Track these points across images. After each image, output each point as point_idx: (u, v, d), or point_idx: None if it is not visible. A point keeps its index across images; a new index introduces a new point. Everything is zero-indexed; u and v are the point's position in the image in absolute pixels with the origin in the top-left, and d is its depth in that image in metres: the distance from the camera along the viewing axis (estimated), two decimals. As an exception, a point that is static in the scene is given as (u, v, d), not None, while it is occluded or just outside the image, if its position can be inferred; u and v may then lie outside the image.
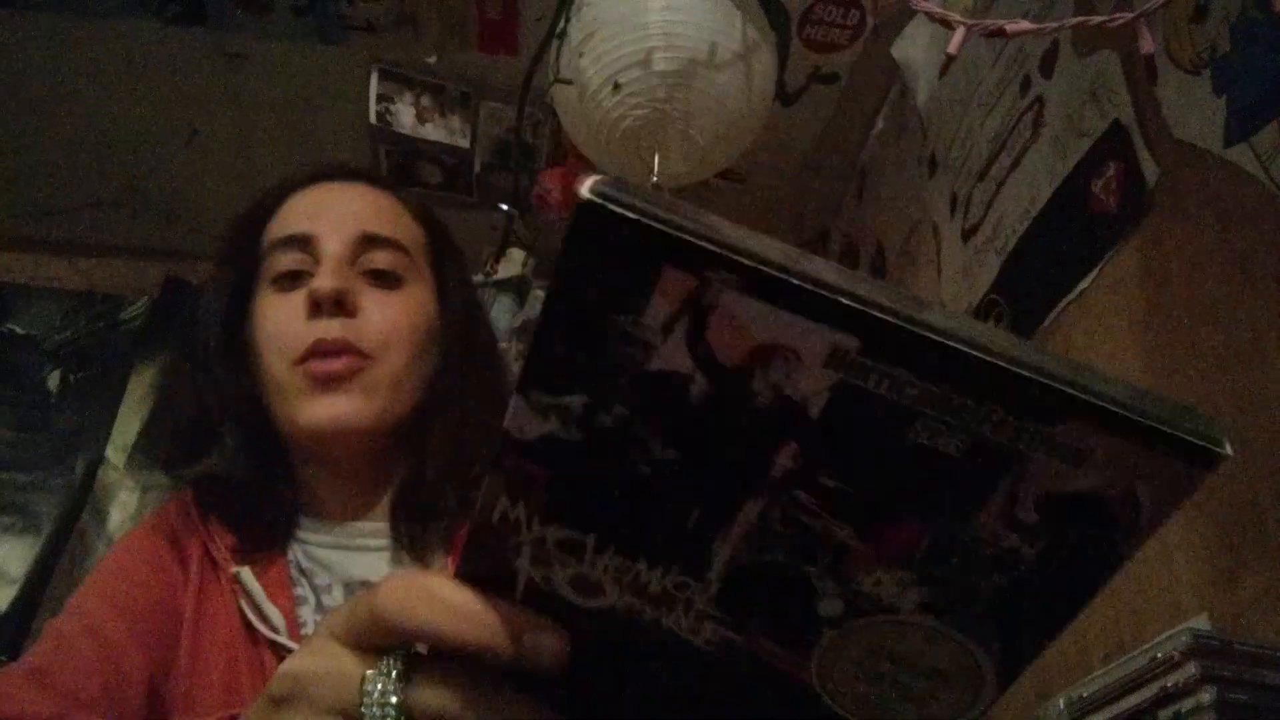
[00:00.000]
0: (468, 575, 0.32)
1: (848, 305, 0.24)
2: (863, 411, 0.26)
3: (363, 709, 0.33)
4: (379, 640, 0.34)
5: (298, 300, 0.79)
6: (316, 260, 0.80)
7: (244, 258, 0.85)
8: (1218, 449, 0.25)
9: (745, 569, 0.29)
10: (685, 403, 0.26)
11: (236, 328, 0.82)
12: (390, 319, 0.79)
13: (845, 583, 0.28)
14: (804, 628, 0.29)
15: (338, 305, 0.77)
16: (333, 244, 0.80)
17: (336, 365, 0.76)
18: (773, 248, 0.25)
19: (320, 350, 0.76)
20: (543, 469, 0.29)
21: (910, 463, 0.26)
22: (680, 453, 0.27)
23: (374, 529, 0.81)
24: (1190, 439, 0.25)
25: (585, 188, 0.25)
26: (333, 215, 0.82)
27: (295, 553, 0.79)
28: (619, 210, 0.24)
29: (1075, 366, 0.25)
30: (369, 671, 0.33)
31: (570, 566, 0.30)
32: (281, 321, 0.79)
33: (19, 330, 2.25)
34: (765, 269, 0.24)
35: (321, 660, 0.35)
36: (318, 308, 0.77)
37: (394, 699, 0.33)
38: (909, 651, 0.30)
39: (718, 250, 0.24)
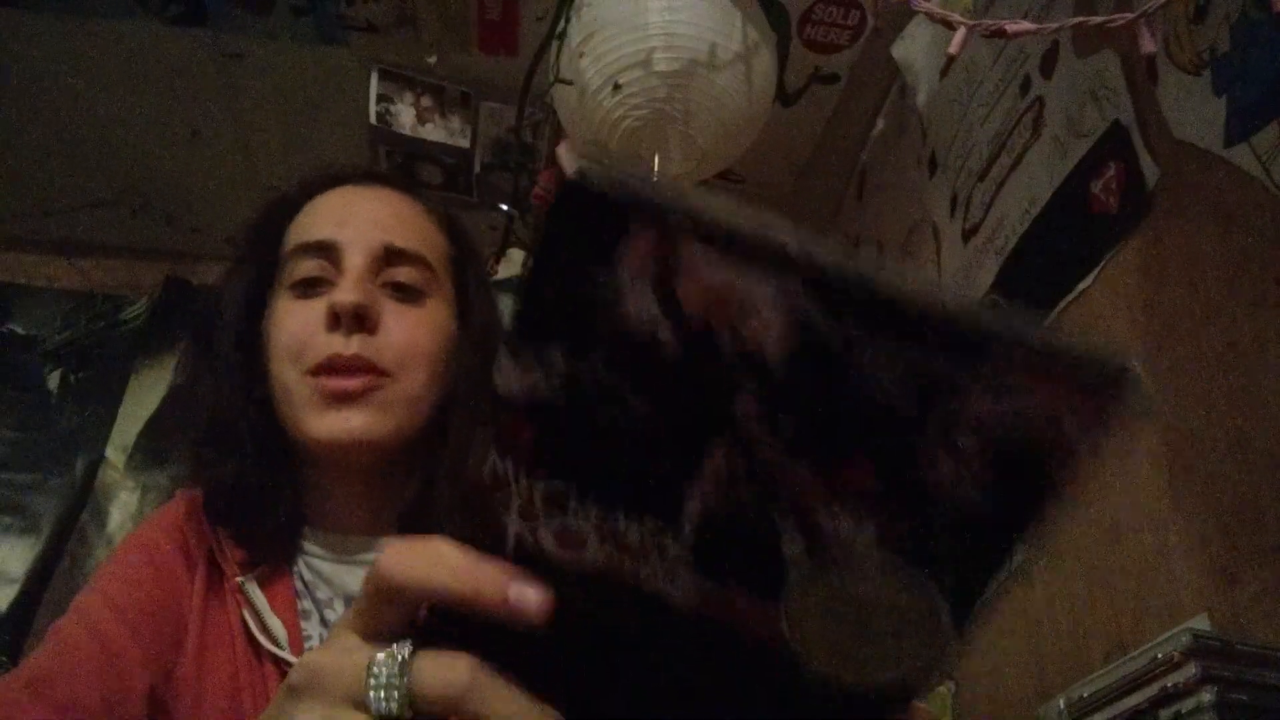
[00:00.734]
0: (459, 538, 0.34)
1: (794, 260, 0.27)
2: (816, 359, 0.28)
3: (369, 693, 0.34)
4: (384, 608, 0.35)
5: (317, 308, 0.77)
6: (339, 270, 0.78)
7: (263, 257, 0.83)
8: (1124, 370, 0.27)
9: (715, 514, 0.31)
10: (656, 351, 0.29)
11: (251, 327, 0.81)
12: (411, 336, 0.78)
13: (805, 520, 0.30)
14: (770, 571, 0.31)
15: (358, 320, 0.75)
16: (356, 256, 0.78)
17: (352, 384, 0.75)
18: (729, 209, 0.28)
19: (336, 365, 0.75)
20: (528, 422, 0.31)
21: (862, 404, 0.29)
22: (653, 401, 0.30)
23: (380, 545, 0.79)
24: (1098, 363, 0.27)
25: (571, 169, 0.28)
26: (358, 224, 0.80)
27: (299, 565, 0.78)
28: (597, 183, 0.28)
29: (1013, 321, 0.28)
30: (377, 657, 0.34)
31: (555, 518, 0.32)
32: (298, 329, 0.77)
33: (19, 330, 2.25)
34: (725, 222, 0.28)
35: (337, 652, 0.35)
36: (337, 320, 0.75)
37: (399, 683, 0.33)
38: (868, 592, 0.31)
39: (680, 210, 0.27)
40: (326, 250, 0.79)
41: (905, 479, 0.29)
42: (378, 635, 0.35)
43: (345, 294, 0.76)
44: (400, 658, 0.34)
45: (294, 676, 0.36)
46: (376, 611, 0.35)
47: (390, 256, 0.80)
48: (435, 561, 0.34)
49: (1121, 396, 0.28)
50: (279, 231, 0.84)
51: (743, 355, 0.28)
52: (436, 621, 0.34)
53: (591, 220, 0.28)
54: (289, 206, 0.85)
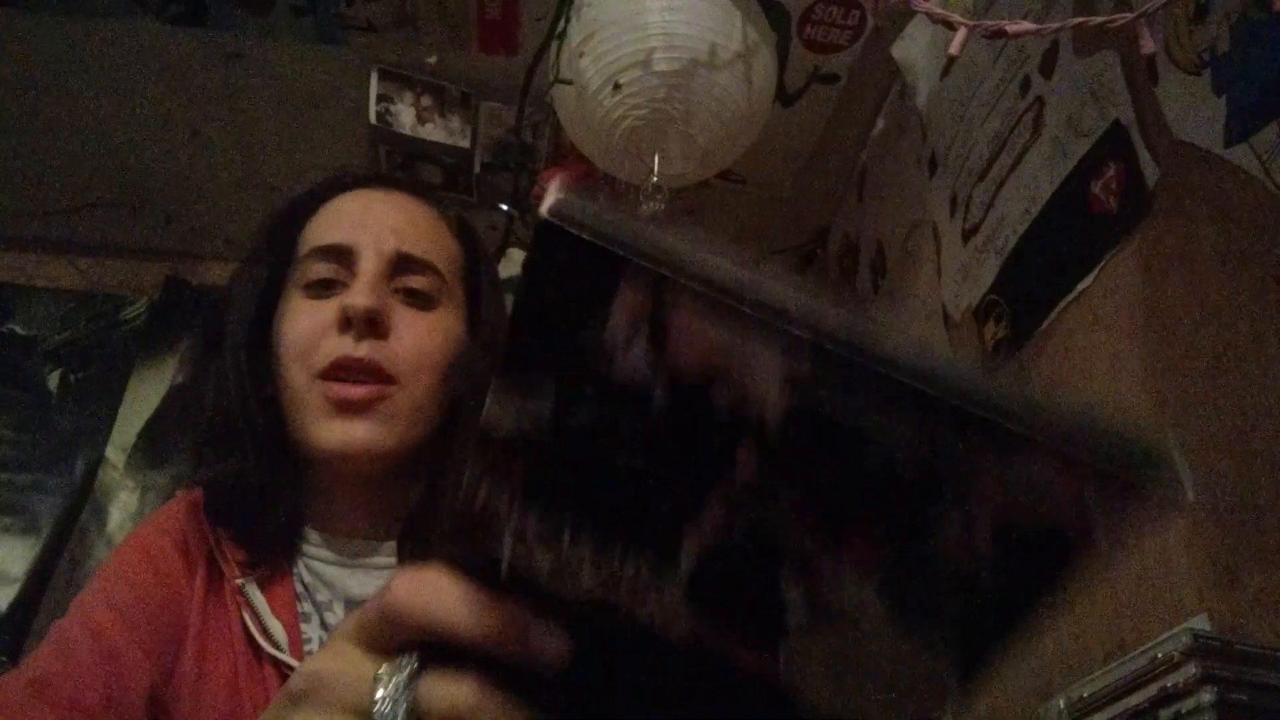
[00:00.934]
0: (455, 561, 0.33)
1: (798, 331, 0.25)
2: (819, 429, 0.26)
3: (374, 707, 0.33)
4: (390, 636, 0.34)
5: (328, 310, 0.77)
6: (352, 273, 0.79)
7: (275, 257, 0.83)
8: (1177, 494, 0.25)
9: (713, 558, 0.29)
10: (648, 410, 0.27)
11: (261, 327, 0.81)
12: (421, 342, 0.78)
13: (804, 568, 0.29)
14: (768, 630, 0.30)
15: (370, 325, 0.76)
16: (370, 260, 0.79)
17: (359, 392, 0.75)
18: (726, 268, 0.25)
19: (345, 366, 0.75)
20: (519, 459, 0.30)
21: (866, 480, 0.27)
22: (647, 455, 0.29)
23: (382, 549, 0.79)
24: (1146, 480, 0.25)
25: (544, 207, 0.26)
26: (373, 229, 0.80)
27: (299, 568, 0.78)
28: (574, 231, 0.25)
29: (1030, 399, 0.25)
30: (382, 670, 0.34)
31: (549, 554, 0.31)
32: (309, 329, 0.77)
33: (19, 330, 2.25)
34: (716, 292, 0.25)
35: (339, 660, 0.35)
36: (348, 323, 0.76)
37: (405, 697, 0.33)
38: (872, 658, 0.30)
39: (669, 273, 0.25)
40: (341, 254, 0.79)
41: (909, 542, 0.28)
42: (380, 652, 0.35)
43: (358, 297, 0.76)
44: (407, 671, 0.34)
45: (295, 683, 0.36)
46: (382, 633, 0.35)
47: (403, 263, 0.80)
48: (446, 599, 0.33)
49: (1150, 478, 0.25)
50: (293, 232, 0.84)
51: (738, 413, 0.27)
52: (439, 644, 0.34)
53: (572, 262, 0.26)
54: (304, 208, 0.85)
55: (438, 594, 0.33)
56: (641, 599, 0.31)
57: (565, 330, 0.27)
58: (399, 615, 0.34)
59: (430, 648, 0.34)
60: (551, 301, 0.27)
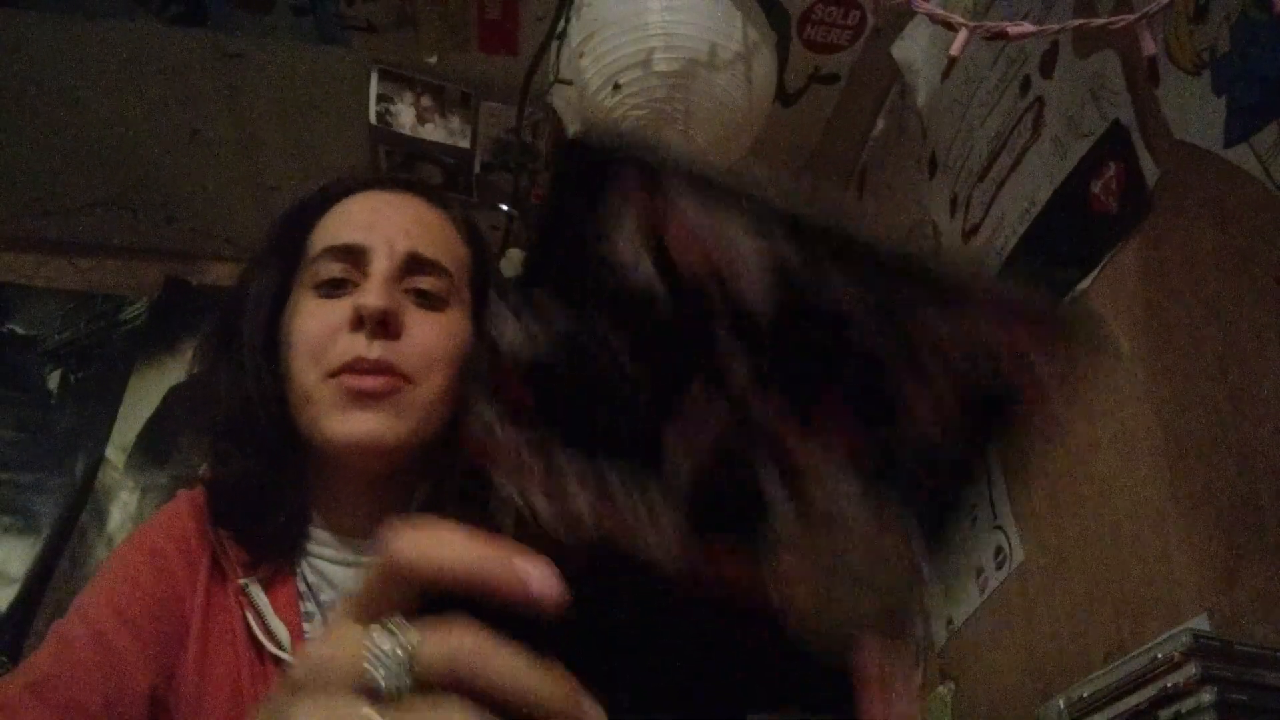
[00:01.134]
0: (457, 508, 0.34)
1: (787, 218, 0.29)
2: (807, 322, 0.30)
3: (370, 670, 0.33)
4: (391, 596, 0.34)
5: (340, 309, 0.77)
6: (364, 274, 0.79)
7: (286, 256, 0.84)
8: (1087, 311, 0.30)
9: (702, 472, 0.31)
10: (648, 311, 0.30)
11: (272, 325, 0.81)
12: (432, 342, 0.78)
13: (792, 478, 0.31)
14: (755, 520, 0.32)
15: (383, 325, 0.76)
16: (382, 261, 0.79)
17: (373, 383, 0.75)
18: (717, 168, 0.29)
19: (358, 367, 0.75)
20: (526, 377, 0.32)
21: (848, 366, 0.30)
22: (643, 359, 0.31)
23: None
24: (1060, 305, 0.29)
25: (574, 135, 0.30)
26: (385, 230, 0.81)
27: (303, 567, 0.78)
28: (595, 140, 0.30)
29: (961, 257, 0.33)
30: (373, 632, 0.33)
31: (542, 472, 0.32)
32: (321, 329, 0.77)
33: (19, 330, 2.25)
34: (721, 183, 0.30)
35: (335, 644, 0.35)
36: (361, 322, 0.76)
37: (400, 656, 0.33)
38: (854, 562, 0.32)
39: (677, 166, 0.29)
40: (353, 254, 0.80)
41: (878, 416, 0.30)
42: (389, 613, 0.34)
43: (372, 297, 0.76)
44: (400, 634, 0.33)
45: (294, 672, 0.35)
46: (381, 597, 0.35)
47: (414, 264, 0.80)
48: (448, 544, 0.33)
49: (1082, 333, 0.29)
50: (303, 232, 0.84)
51: (731, 303, 0.30)
52: (434, 604, 0.34)
53: (591, 174, 0.30)
54: (314, 208, 0.85)
55: (439, 539, 0.33)
56: (633, 513, 0.32)
57: (580, 238, 0.30)
58: (403, 566, 0.34)
59: (425, 605, 0.34)
60: (571, 207, 0.30)
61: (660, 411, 0.31)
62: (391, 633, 0.33)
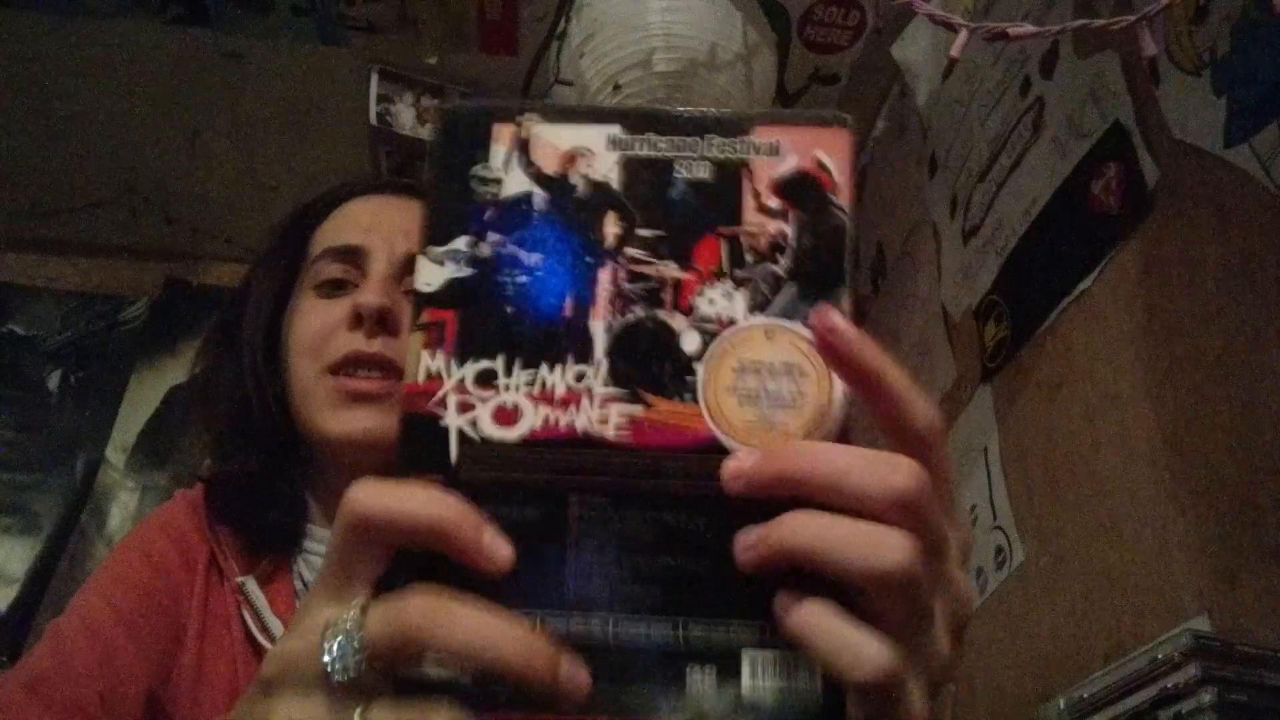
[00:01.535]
0: (406, 456, 0.36)
1: (608, 110, 0.39)
2: (642, 170, 0.38)
3: (327, 665, 0.33)
4: (356, 553, 0.35)
5: (339, 308, 0.78)
6: (363, 274, 0.80)
7: (289, 257, 0.85)
8: (843, 116, 0.38)
9: (619, 336, 0.36)
10: (532, 213, 0.38)
11: (273, 326, 0.83)
12: None
13: (689, 312, 0.37)
14: (679, 371, 0.36)
15: (381, 323, 0.77)
16: (381, 262, 0.80)
17: (371, 385, 0.76)
18: (561, 99, 0.41)
19: (355, 360, 0.76)
20: (450, 309, 0.37)
21: (685, 193, 0.38)
22: (542, 254, 0.37)
23: None
24: (825, 113, 0.38)
25: (438, 107, 0.40)
26: (384, 231, 0.82)
27: (299, 564, 0.78)
28: (460, 107, 0.40)
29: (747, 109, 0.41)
30: (328, 623, 0.33)
31: (489, 399, 0.36)
32: (319, 327, 0.78)
33: (19, 330, 2.25)
34: (553, 105, 0.40)
35: (304, 635, 0.35)
36: (359, 321, 0.77)
37: (354, 638, 0.33)
38: (761, 357, 0.36)
39: (524, 102, 0.40)
40: (353, 255, 0.81)
41: (741, 243, 0.37)
42: (349, 592, 0.35)
43: (370, 296, 0.77)
44: (352, 623, 0.33)
45: (265, 670, 0.35)
46: (348, 561, 0.35)
47: (413, 265, 0.80)
48: (409, 497, 0.34)
49: (846, 125, 0.38)
50: (305, 235, 0.85)
51: (593, 188, 0.38)
52: (400, 568, 0.35)
53: (464, 131, 0.39)
54: (317, 211, 0.87)
55: (401, 493, 0.34)
56: (577, 407, 0.36)
57: (465, 182, 0.38)
58: (356, 515, 0.34)
59: (394, 572, 0.35)
60: (452, 158, 0.38)
61: (572, 300, 0.37)
62: (343, 619, 0.33)
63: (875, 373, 0.34)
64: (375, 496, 0.34)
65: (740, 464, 0.34)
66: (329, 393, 0.76)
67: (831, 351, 0.35)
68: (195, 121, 2.06)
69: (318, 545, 0.79)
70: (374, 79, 1.90)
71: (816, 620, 0.33)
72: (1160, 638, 0.84)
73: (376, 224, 0.83)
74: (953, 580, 0.35)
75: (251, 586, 0.74)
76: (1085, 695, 0.84)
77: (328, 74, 1.93)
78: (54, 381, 2.20)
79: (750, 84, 1.36)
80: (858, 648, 0.32)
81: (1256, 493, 0.86)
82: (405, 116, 1.92)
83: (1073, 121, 1.21)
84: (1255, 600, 0.85)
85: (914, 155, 1.71)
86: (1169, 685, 0.75)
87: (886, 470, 0.33)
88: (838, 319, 0.34)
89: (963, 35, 0.86)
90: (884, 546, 0.32)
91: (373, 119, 1.89)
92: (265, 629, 0.73)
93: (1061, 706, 0.86)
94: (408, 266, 0.81)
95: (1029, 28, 0.86)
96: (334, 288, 0.81)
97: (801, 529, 0.33)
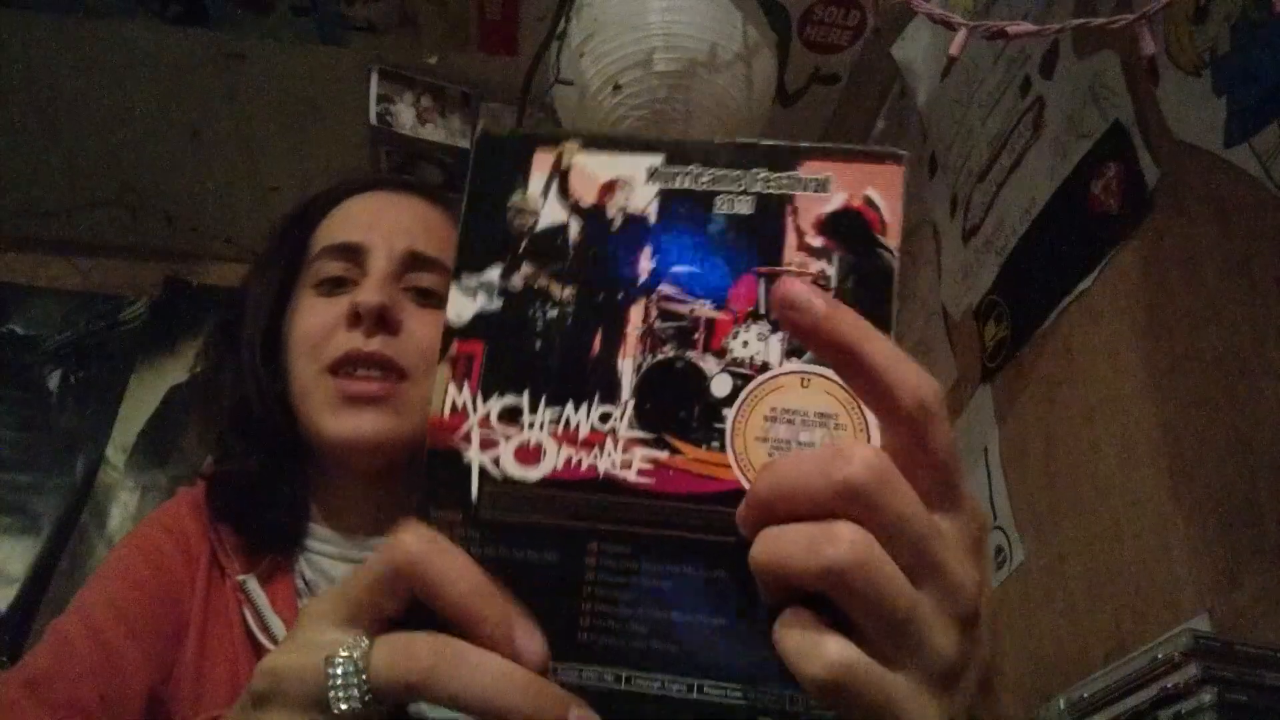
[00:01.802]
0: (429, 491, 0.35)
1: (650, 140, 0.37)
2: (681, 204, 0.37)
3: (330, 694, 0.32)
4: (385, 596, 0.34)
5: (338, 307, 0.78)
6: (363, 271, 0.80)
7: (289, 256, 0.84)
8: (898, 152, 0.36)
9: (647, 376, 0.35)
10: (567, 245, 0.37)
11: (274, 325, 0.82)
12: (430, 338, 0.78)
13: (721, 355, 0.35)
14: (708, 416, 0.35)
15: (381, 321, 0.76)
16: (381, 259, 0.80)
17: (370, 387, 0.75)
18: (600, 126, 0.40)
19: (354, 359, 0.76)
20: (478, 342, 0.36)
21: (724, 229, 0.36)
22: (574, 288, 0.36)
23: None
24: (879, 149, 0.36)
25: (480, 129, 0.38)
26: (384, 229, 0.81)
27: (301, 564, 0.78)
28: (501, 132, 0.38)
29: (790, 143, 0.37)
30: (337, 654, 0.33)
31: (513, 436, 0.35)
32: (318, 326, 0.78)
33: (19, 330, 2.25)
34: (596, 133, 0.37)
35: (301, 653, 0.34)
36: (358, 319, 0.76)
37: (358, 680, 0.32)
38: (794, 405, 0.34)
39: (564, 130, 0.40)
40: (352, 252, 0.81)
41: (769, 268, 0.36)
42: (359, 623, 0.34)
43: (369, 294, 0.77)
44: (359, 651, 0.33)
45: (256, 684, 0.35)
46: (372, 595, 0.34)
47: (414, 262, 0.81)
48: (456, 572, 0.33)
49: (900, 163, 0.36)
50: (306, 233, 0.85)
51: (630, 221, 0.37)
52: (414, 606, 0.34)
53: (503, 157, 0.38)
54: (317, 209, 0.86)
55: (448, 559, 0.33)
56: (601, 449, 0.35)
57: (500, 211, 0.37)
58: (408, 565, 0.33)
59: (402, 625, 0.34)
60: (490, 186, 0.37)
61: (602, 337, 0.36)
62: (351, 651, 0.33)
63: (848, 345, 0.32)
64: (427, 555, 0.33)
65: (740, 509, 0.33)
66: (328, 393, 0.76)
67: (792, 326, 0.33)
68: (195, 121, 2.06)
69: (319, 544, 0.79)
70: (374, 79, 1.90)
71: (783, 627, 0.32)
72: (1160, 638, 0.83)
73: (376, 221, 0.82)
74: (942, 568, 0.32)
75: (253, 585, 0.74)
76: (1085, 695, 0.84)
77: (328, 74, 1.93)
78: (54, 381, 2.20)
79: (750, 84, 1.35)
80: (810, 646, 0.31)
81: (1256, 493, 0.86)
82: (405, 116, 1.92)
83: (1073, 121, 1.21)
84: (1255, 600, 0.84)
85: (914, 155, 1.71)
86: (1169, 685, 0.74)
87: (838, 463, 0.31)
88: (797, 292, 0.32)
89: (962, 34, 0.86)
90: (822, 541, 0.30)
91: (373, 119, 1.89)
92: (266, 628, 0.73)
93: (1061, 706, 0.86)
94: (408, 263, 0.80)
95: (1028, 26, 0.86)
96: (334, 286, 0.80)
97: (758, 549, 0.32)
